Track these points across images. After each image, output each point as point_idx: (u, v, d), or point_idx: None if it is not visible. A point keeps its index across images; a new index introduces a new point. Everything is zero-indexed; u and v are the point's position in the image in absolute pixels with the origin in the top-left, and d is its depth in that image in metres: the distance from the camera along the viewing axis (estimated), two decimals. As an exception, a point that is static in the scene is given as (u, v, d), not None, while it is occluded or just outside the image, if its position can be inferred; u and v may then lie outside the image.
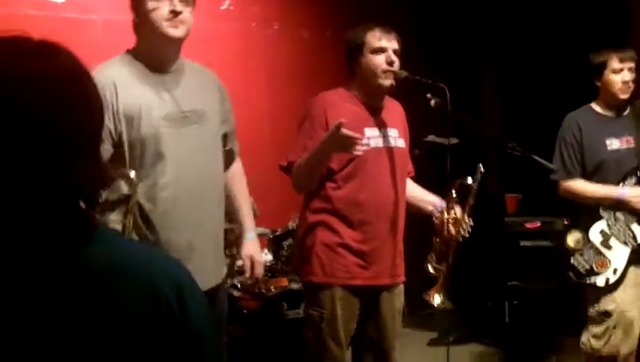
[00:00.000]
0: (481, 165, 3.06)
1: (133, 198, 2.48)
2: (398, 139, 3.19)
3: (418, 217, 3.28)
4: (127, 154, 2.54)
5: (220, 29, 5.57)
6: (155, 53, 2.62)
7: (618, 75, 3.63)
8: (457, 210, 3.10)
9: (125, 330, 1.05)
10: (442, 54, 6.42)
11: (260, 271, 2.97)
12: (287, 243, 4.41)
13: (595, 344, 3.66)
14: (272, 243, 4.50)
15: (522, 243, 5.03)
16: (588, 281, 3.61)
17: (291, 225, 4.37)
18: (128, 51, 2.66)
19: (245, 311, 4.15)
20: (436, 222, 3.15)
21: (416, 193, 3.32)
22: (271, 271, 4.48)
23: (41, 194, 1.03)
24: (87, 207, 1.10)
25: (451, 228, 3.07)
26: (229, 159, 2.95)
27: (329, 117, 3.03)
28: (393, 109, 3.26)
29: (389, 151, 3.14)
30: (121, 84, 2.54)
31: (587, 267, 3.60)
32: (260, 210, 5.09)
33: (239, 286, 4.37)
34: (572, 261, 3.64)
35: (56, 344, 1.03)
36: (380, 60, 3.06)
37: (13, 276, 1.03)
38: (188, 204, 2.61)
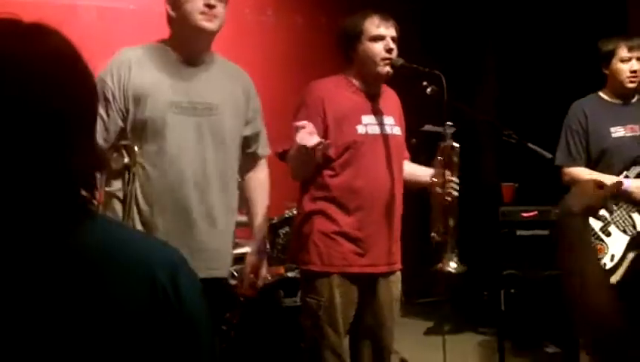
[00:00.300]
0: (449, 123, 3.02)
1: (133, 168, 2.55)
2: (394, 127, 3.19)
3: (423, 194, 3.26)
4: (129, 131, 2.60)
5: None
6: (186, 44, 2.67)
7: (626, 64, 3.62)
8: (446, 173, 3.07)
9: (121, 315, 1.05)
10: (439, 42, 6.40)
11: (260, 284, 2.97)
12: (284, 232, 4.41)
13: None
14: (269, 231, 4.46)
15: (519, 232, 5.04)
16: None
17: (288, 213, 4.36)
18: (160, 40, 2.72)
19: (242, 299, 4.14)
20: (431, 189, 3.13)
21: (417, 170, 3.32)
22: (268, 259, 4.47)
23: (34, 178, 1.02)
24: (85, 194, 1.08)
25: (442, 190, 3.05)
26: (251, 162, 2.95)
27: (326, 105, 3.04)
28: (389, 97, 3.25)
29: (386, 138, 3.13)
30: (136, 65, 2.61)
31: None
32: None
33: (236, 274, 4.36)
34: None
35: (50, 329, 1.02)
36: (378, 48, 3.04)
37: (6, 261, 1.02)
38: (182, 191, 2.63)
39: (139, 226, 2.59)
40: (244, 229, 4.79)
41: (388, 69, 3.07)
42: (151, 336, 1.06)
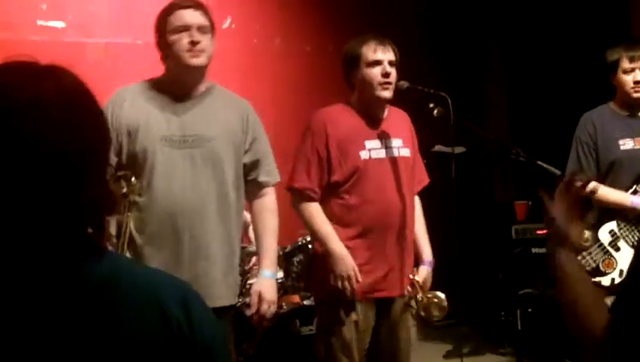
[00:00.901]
0: None
1: (130, 197, 2.63)
2: (402, 149, 3.19)
3: (441, 221, 3.29)
4: (124, 164, 2.69)
5: (223, 47, 5.58)
6: (179, 80, 2.76)
7: (629, 75, 3.57)
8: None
9: (134, 349, 1.05)
10: (447, 60, 6.42)
11: (265, 308, 2.85)
12: (298, 260, 4.39)
13: None
14: (283, 259, 4.47)
15: (534, 250, 5.00)
16: (593, 280, 3.51)
17: (301, 241, 4.36)
18: (155, 77, 2.81)
19: (258, 330, 4.13)
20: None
21: (415, 231, 3.28)
22: (282, 287, 4.46)
23: (44, 215, 1.03)
24: (94, 230, 1.09)
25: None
26: (255, 189, 2.95)
27: (329, 132, 3.07)
28: (398, 119, 3.26)
29: (393, 161, 3.13)
30: (129, 101, 2.72)
31: (593, 265, 3.54)
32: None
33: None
34: (579, 258, 3.60)
35: None
36: (375, 73, 3.06)
37: (17, 296, 1.03)
38: (172, 222, 2.67)
39: (129, 255, 2.63)
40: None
41: (386, 93, 3.08)
42: None
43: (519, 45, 6.35)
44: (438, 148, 5.78)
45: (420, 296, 3.12)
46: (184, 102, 2.75)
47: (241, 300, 4.31)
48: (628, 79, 3.55)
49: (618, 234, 3.56)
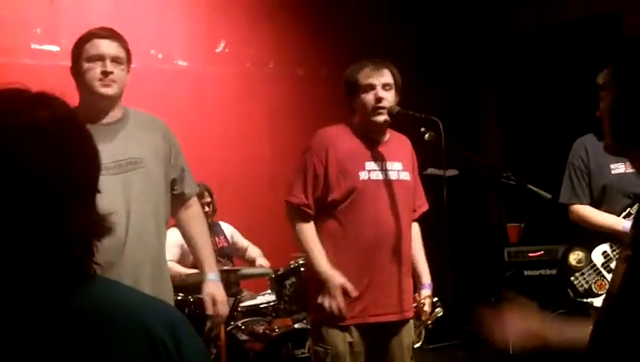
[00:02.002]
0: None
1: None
2: (401, 173, 3.20)
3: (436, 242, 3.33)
4: None
5: (216, 71, 5.64)
6: (92, 109, 2.75)
7: None
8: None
9: None
10: (440, 84, 6.46)
11: (222, 309, 2.94)
12: (290, 282, 4.39)
13: None
14: (275, 282, 4.47)
15: (526, 272, 5.00)
16: (585, 301, 3.57)
17: (293, 264, 4.36)
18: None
19: (250, 353, 4.12)
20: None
21: (414, 255, 3.31)
22: (274, 311, 4.46)
23: (30, 242, 1.03)
24: (83, 255, 1.10)
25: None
26: (180, 202, 3.01)
27: (330, 151, 3.09)
28: (398, 143, 3.27)
29: (389, 184, 3.14)
30: None
31: (586, 287, 3.56)
32: (260, 248, 5.11)
33: (243, 327, 4.34)
34: (572, 279, 3.58)
35: None
36: (369, 98, 3.08)
37: (4, 320, 1.03)
38: (113, 251, 2.64)
39: None
40: (258, 280, 4.82)
41: (381, 117, 3.09)
42: None
43: (512, 69, 6.41)
44: (430, 171, 5.79)
45: (429, 321, 3.23)
46: (105, 127, 2.76)
47: (232, 324, 4.30)
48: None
49: (611, 255, 3.56)
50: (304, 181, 3.10)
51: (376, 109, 3.08)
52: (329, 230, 3.10)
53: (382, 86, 3.09)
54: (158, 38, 5.30)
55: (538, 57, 6.07)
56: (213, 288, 2.94)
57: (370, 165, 3.12)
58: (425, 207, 3.38)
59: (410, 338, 3.22)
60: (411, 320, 3.22)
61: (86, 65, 2.71)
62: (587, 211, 3.63)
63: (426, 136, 3.04)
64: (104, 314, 1.07)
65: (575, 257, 3.59)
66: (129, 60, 2.82)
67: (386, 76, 3.11)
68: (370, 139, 3.17)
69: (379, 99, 3.07)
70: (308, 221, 3.12)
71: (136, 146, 2.79)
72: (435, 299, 3.26)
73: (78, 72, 2.74)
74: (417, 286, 3.26)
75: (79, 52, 2.74)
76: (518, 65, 6.29)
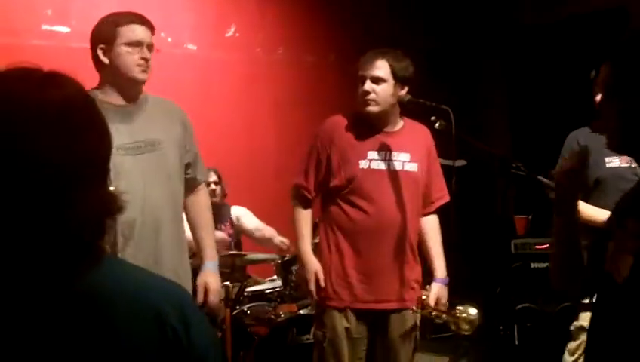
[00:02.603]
0: None
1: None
2: (407, 163, 3.19)
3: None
4: None
5: (225, 56, 5.62)
6: (120, 91, 2.80)
7: None
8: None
9: (132, 355, 1.04)
10: (448, 76, 6.44)
11: (212, 299, 2.96)
12: (296, 269, 4.39)
13: (568, 359, 3.55)
14: (281, 268, 4.48)
15: (533, 264, 4.99)
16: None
17: (299, 250, 4.35)
18: (93, 89, 2.79)
19: (255, 338, 4.13)
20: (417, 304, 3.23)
21: (429, 248, 3.32)
22: (280, 296, 4.46)
23: (40, 224, 1.03)
24: (92, 236, 1.09)
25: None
26: (191, 187, 3.04)
27: (335, 137, 3.17)
28: (411, 133, 3.26)
29: (393, 174, 3.15)
30: None
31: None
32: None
33: (249, 312, 4.35)
34: None
35: None
36: (360, 90, 3.14)
37: (13, 304, 1.03)
38: (141, 223, 2.72)
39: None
40: (269, 265, 4.82)
41: (369, 108, 3.12)
42: None
43: (521, 62, 6.37)
44: (439, 160, 5.79)
45: (434, 313, 3.17)
46: (127, 110, 2.80)
47: (238, 308, 4.31)
48: None
49: None
50: (307, 165, 3.22)
51: (365, 101, 3.11)
52: (332, 214, 3.19)
53: (370, 78, 3.11)
54: (168, 21, 5.28)
55: (547, 50, 6.04)
56: (209, 277, 2.97)
57: (373, 154, 3.15)
58: (445, 199, 3.36)
59: (412, 327, 3.23)
60: (411, 313, 3.21)
61: (124, 48, 2.73)
62: (580, 206, 3.52)
63: (437, 124, 3.03)
64: (112, 298, 1.07)
65: None
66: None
67: (377, 69, 3.11)
68: (375, 128, 3.18)
69: (364, 93, 3.10)
70: (304, 203, 3.25)
71: (155, 128, 2.83)
72: (474, 311, 3.23)
73: (109, 53, 2.74)
74: (430, 279, 3.27)
75: (112, 34, 2.73)
76: (527, 58, 6.26)
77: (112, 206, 1.11)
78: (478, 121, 6.28)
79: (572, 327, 3.60)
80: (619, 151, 1.63)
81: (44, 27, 4.79)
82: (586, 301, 3.39)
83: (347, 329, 3.10)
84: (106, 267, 1.09)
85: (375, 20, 6.04)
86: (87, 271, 1.07)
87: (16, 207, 1.01)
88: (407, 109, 3.15)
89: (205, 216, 3.08)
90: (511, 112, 6.62)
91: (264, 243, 4.89)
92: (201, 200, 3.08)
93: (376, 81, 3.10)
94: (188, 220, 3.09)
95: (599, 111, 1.53)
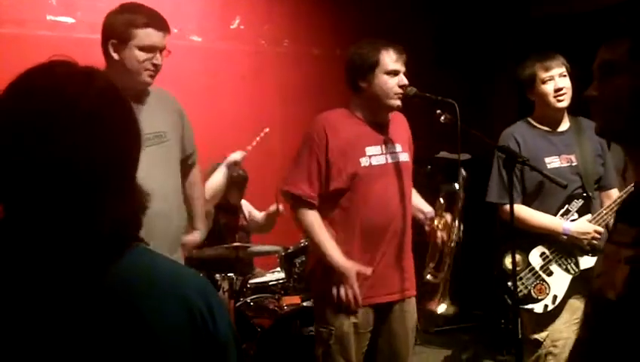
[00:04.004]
0: (463, 170, 3.01)
1: None
2: (401, 154, 3.20)
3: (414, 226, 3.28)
4: None
5: (231, 47, 5.61)
6: (124, 86, 2.73)
7: (548, 84, 3.38)
8: (447, 217, 3.10)
9: (162, 345, 1.06)
10: (456, 68, 6.42)
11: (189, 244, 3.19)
12: (300, 261, 4.40)
13: None
14: (284, 260, 4.48)
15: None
16: (525, 307, 3.33)
17: (303, 242, 4.36)
18: None
19: (259, 329, 4.14)
20: (427, 229, 3.16)
21: (417, 202, 3.31)
22: (284, 288, 4.47)
23: (72, 216, 1.04)
24: (120, 226, 1.10)
25: (442, 234, 3.08)
26: (187, 169, 3.14)
27: (330, 138, 3.06)
28: (397, 124, 3.26)
29: (391, 167, 3.14)
30: None
31: (525, 292, 3.33)
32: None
33: (252, 304, 4.36)
34: (509, 284, 3.20)
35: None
36: (392, 83, 3.06)
37: (43, 294, 1.04)
38: (155, 215, 2.70)
39: None
40: (273, 257, 4.82)
41: (399, 102, 3.09)
42: (191, 360, 1.08)
43: (529, 53, 6.35)
44: (443, 154, 5.79)
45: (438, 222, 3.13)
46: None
47: (242, 300, 4.32)
48: (548, 88, 3.37)
49: (550, 256, 3.37)
50: (308, 171, 3.07)
51: (397, 94, 3.07)
52: (333, 217, 3.10)
53: (403, 74, 3.09)
54: (174, 12, 5.27)
55: (556, 44, 6.01)
56: (196, 240, 3.22)
57: (371, 150, 3.11)
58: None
59: (413, 317, 3.24)
60: (414, 300, 3.23)
61: (137, 52, 2.71)
62: (524, 212, 3.36)
63: (442, 118, 3.01)
64: (142, 285, 1.08)
65: (510, 260, 3.07)
66: None
67: (404, 63, 3.11)
68: (376, 122, 3.16)
69: (404, 86, 3.07)
70: (310, 208, 3.08)
71: (160, 120, 2.84)
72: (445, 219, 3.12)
73: (121, 51, 2.71)
74: (424, 218, 3.23)
75: (128, 34, 2.70)
76: (536, 50, 6.23)
77: (143, 201, 1.12)
78: (486, 113, 6.27)
79: (526, 338, 3.40)
80: (610, 137, 1.57)
81: (49, 17, 4.78)
82: (539, 311, 3.32)
83: (355, 325, 3.07)
84: (133, 255, 1.11)
85: (381, 14, 6.02)
86: (116, 260, 1.08)
87: (51, 201, 1.03)
88: (412, 103, 3.13)
89: (199, 192, 3.24)
90: (520, 104, 6.61)
91: (268, 221, 4.86)
92: (196, 177, 3.22)
93: (406, 76, 3.10)
94: (187, 193, 3.15)
95: (592, 95, 1.45)
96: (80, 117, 1.04)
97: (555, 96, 3.38)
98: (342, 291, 3.00)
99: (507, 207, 3.08)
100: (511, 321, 5.01)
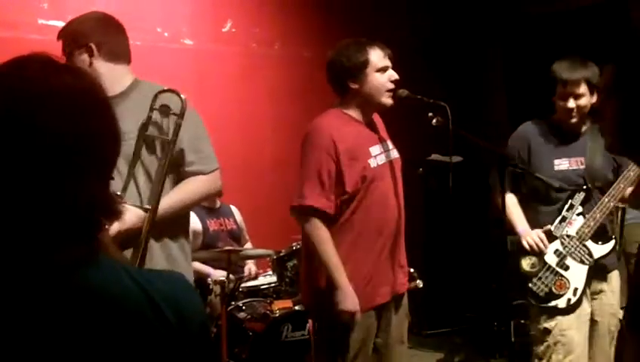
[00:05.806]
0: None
1: None
2: (393, 151, 3.19)
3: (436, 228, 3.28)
4: None
5: (222, 50, 5.62)
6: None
7: (563, 102, 3.38)
8: None
9: (127, 350, 1.04)
10: (446, 70, 6.44)
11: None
12: (292, 265, 4.39)
13: None
14: (276, 264, 4.48)
15: (528, 261, 4.98)
16: (549, 305, 3.36)
17: (295, 245, 4.36)
18: None
19: (250, 333, 4.13)
20: None
21: None
22: (275, 292, 4.46)
23: (44, 210, 1.03)
24: (90, 233, 1.09)
25: None
26: (185, 178, 2.83)
27: (337, 144, 2.97)
28: (378, 121, 3.24)
29: (391, 163, 3.14)
30: None
31: (546, 290, 3.37)
32: (262, 230, 5.11)
33: (244, 308, 4.35)
34: (530, 285, 3.38)
35: None
36: (384, 79, 3.05)
37: (8, 297, 1.02)
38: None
39: None
40: (264, 260, 4.81)
41: (391, 101, 3.07)
42: None
43: (519, 55, 6.37)
44: (434, 156, 5.80)
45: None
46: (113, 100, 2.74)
47: (233, 304, 4.31)
48: (561, 103, 3.39)
49: (564, 252, 3.39)
50: (320, 182, 2.95)
51: (390, 91, 3.05)
52: (345, 222, 3.01)
53: (391, 68, 3.09)
54: (165, 16, 5.28)
55: (545, 43, 6.04)
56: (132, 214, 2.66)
57: (374, 150, 3.08)
58: None
59: (405, 309, 3.23)
60: (405, 297, 3.22)
61: (104, 61, 2.82)
62: (509, 201, 3.40)
63: (434, 121, 3.00)
64: (108, 296, 1.06)
65: (528, 262, 3.36)
66: None
67: (390, 58, 3.11)
68: (367, 122, 3.13)
69: (395, 81, 3.06)
70: (324, 225, 2.95)
71: (128, 120, 2.62)
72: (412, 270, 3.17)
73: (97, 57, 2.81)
74: None
75: (106, 38, 2.85)
76: (525, 50, 6.26)
77: (110, 207, 1.11)
78: (478, 112, 6.29)
79: (533, 331, 3.48)
80: (619, 153, 1.61)
81: (41, 21, 4.77)
82: (563, 306, 3.37)
83: (360, 332, 3.00)
84: (100, 265, 1.09)
85: (372, 15, 6.04)
86: (83, 267, 1.06)
87: (20, 190, 1.01)
88: (404, 105, 3.13)
89: (176, 190, 2.80)
90: (509, 106, 6.63)
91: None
92: (191, 180, 2.82)
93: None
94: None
95: (600, 113, 1.51)
96: (56, 102, 1.04)
97: (566, 113, 3.40)
98: (342, 314, 2.92)
99: (495, 194, 3.33)
100: (504, 324, 5.03)
